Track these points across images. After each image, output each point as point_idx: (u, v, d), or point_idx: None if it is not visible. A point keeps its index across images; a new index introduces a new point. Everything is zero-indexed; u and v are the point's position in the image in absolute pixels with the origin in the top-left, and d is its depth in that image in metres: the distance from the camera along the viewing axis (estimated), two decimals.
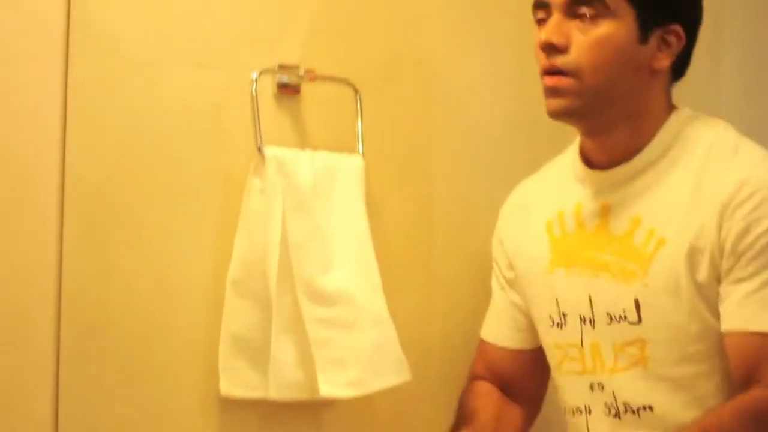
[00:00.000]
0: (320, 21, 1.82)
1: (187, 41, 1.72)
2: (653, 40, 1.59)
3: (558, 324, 1.68)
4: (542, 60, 1.60)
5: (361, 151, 1.81)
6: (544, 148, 1.95)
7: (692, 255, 1.54)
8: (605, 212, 1.64)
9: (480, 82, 2.00)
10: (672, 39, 1.61)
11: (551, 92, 1.59)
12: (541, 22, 1.62)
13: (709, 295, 1.54)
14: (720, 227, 1.53)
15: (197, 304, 1.71)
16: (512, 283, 1.79)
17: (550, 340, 1.71)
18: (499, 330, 1.80)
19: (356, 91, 1.81)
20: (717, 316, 1.54)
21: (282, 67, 1.77)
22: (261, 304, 1.69)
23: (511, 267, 1.78)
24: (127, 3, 1.67)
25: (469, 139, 1.99)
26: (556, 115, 1.61)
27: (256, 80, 1.72)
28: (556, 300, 1.68)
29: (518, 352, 1.79)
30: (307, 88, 1.79)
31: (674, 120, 1.63)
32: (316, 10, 1.82)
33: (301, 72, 1.78)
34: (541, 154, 1.89)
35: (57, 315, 1.61)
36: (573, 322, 1.66)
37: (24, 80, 1.60)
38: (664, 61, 1.61)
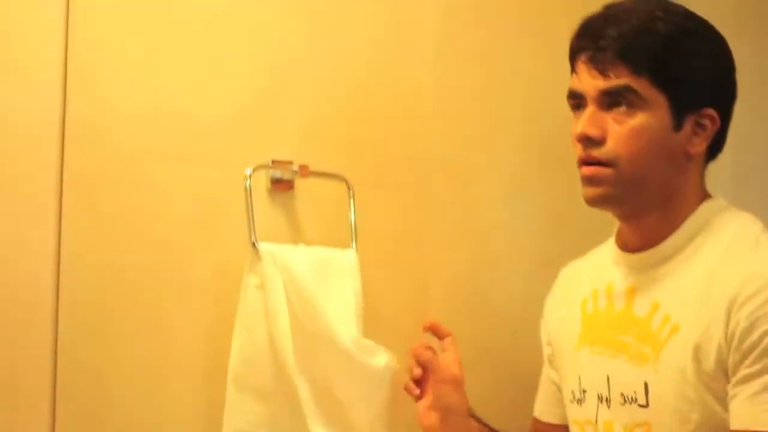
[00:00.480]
0: (314, 117, 1.85)
1: (182, 136, 1.73)
2: (687, 126, 1.60)
3: (578, 400, 1.69)
4: (579, 150, 1.61)
5: (354, 246, 1.81)
6: (533, 239, 1.97)
7: (700, 346, 1.54)
8: (631, 294, 1.65)
9: (475, 176, 2.03)
10: (706, 122, 1.62)
11: (589, 181, 1.60)
12: (576, 108, 1.63)
13: (715, 387, 1.54)
14: (728, 322, 1.53)
15: (192, 400, 1.70)
16: (551, 360, 1.81)
17: (571, 416, 1.72)
18: (542, 405, 1.84)
19: (349, 186, 1.83)
20: (723, 405, 1.53)
21: (275, 163, 1.78)
22: (264, 399, 1.68)
23: (549, 343, 1.81)
24: (123, 99, 1.69)
25: (461, 231, 2.01)
26: (593, 202, 1.62)
27: (249, 176, 1.73)
28: (579, 377, 1.69)
29: (557, 427, 1.80)
30: (300, 184, 1.81)
31: (704, 209, 1.64)
32: (309, 107, 1.84)
33: (295, 167, 1.79)
34: (532, 245, 1.90)
35: (52, 410, 1.59)
36: (591, 399, 1.66)
37: (22, 175, 1.60)
38: (700, 146, 1.62)
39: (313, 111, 1.85)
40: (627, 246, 1.68)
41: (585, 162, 1.60)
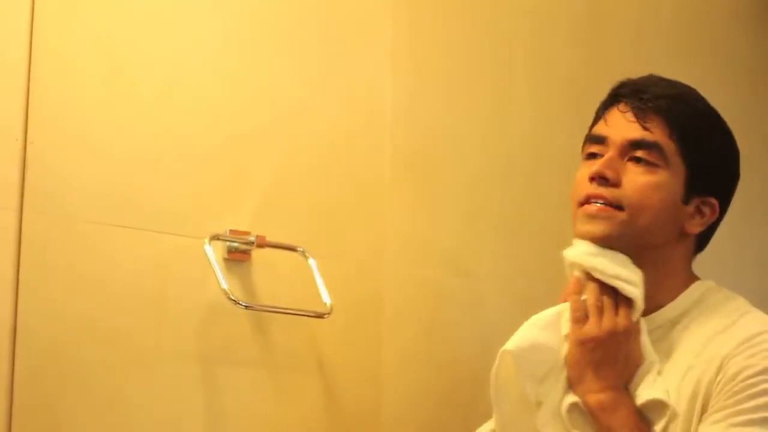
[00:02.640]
0: (271, 188, 1.87)
1: (139, 204, 1.74)
2: (692, 205, 1.64)
3: None
4: (587, 189, 1.62)
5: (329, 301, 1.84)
6: (484, 310, 2.00)
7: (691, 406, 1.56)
8: None
9: (426, 241, 2.06)
10: (707, 210, 1.66)
11: (593, 218, 1.61)
12: (591, 157, 1.65)
13: None
14: (717, 374, 1.55)
15: None
16: None
17: None
18: None
19: (306, 255, 1.85)
20: None
21: (233, 233, 1.80)
22: None
23: None
24: (83, 164, 1.70)
25: (417, 297, 2.03)
26: (595, 238, 1.61)
27: (208, 241, 1.74)
28: None
29: None
30: (257, 254, 1.82)
31: (697, 286, 1.67)
32: (267, 178, 1.87)
33: (252, 238, 1.81)
34: (483, 315, 1.92)
35: None
36: None
37: None
38: (697, 228, 1.66)
39: (270, 182, 1.87)
40: None
41: (593, 198, 1.61)
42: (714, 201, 1.66)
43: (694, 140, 1.62)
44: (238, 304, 1.74)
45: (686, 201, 1.64)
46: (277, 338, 1.85)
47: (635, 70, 2.34)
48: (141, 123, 1.76)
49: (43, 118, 1.66)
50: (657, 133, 1.61)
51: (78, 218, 1.69)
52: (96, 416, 1.67)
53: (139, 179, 1.75)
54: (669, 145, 1.61)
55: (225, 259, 1.80)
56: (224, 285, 1.73)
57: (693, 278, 1.69)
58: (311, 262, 1.84)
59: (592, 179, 1.62)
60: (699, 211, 1.65)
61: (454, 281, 2.10)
